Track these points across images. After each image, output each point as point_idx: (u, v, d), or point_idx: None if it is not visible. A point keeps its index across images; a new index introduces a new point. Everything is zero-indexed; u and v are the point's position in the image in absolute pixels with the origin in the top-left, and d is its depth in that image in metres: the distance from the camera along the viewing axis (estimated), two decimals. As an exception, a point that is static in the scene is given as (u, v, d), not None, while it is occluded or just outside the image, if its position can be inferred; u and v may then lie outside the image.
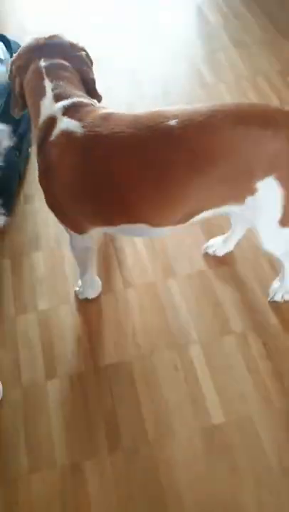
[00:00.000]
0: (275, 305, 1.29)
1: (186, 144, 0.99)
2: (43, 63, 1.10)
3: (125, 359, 1.24)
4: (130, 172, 1.02)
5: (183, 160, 1.00)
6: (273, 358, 1.20)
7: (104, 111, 1.07)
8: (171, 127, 0.98)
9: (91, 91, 1.18)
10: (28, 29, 2.21)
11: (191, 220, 1.10)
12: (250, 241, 1.42)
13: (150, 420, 1.15)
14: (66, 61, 1.12)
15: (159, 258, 1.42)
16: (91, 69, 1.19)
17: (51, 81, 1.08)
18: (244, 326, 1.27)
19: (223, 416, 1.13)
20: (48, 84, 1.08)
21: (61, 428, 1.16)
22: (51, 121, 1.06)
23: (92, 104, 1.10)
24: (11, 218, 1.13)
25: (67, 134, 1.04)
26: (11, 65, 1.16)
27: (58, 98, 1.07)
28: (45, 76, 1.09)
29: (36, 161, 1.11)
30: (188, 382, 1.19)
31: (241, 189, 1.03)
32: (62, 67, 1.11)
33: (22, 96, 1.16)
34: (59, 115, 1.05)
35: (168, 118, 0.99)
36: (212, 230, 1.46)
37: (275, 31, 2.06)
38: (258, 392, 1.16)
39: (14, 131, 1.21)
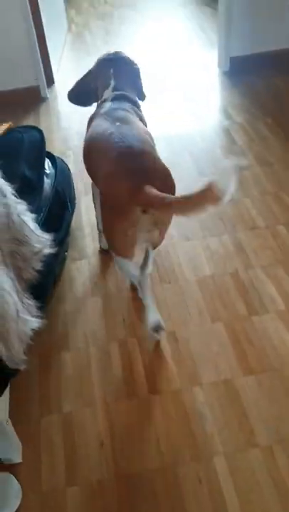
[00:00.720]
0: (301, 418, 1.27)
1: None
2: (112, 70, 1.66)
3: (148, 468, 1.22)
4: (92, 147, 1.49)
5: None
6: (301, 476, 1.16)
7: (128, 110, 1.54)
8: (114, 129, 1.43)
9: (139, 93, 1.71)
10: (71, 146, 2.44)
11: None
12: (276, 351, 1.43)
13: (171, 538, 1.10)
14: (126, 70, 1.69)
15: (185, 365, 1.44)
16: (140, 78, 1.73)
17: (115, 80, 1.64)
18: (270, 439, 1.24)
19: (248, 538, 1.08)
20: (112, 82, 1.63)
21: None
22: (103, 102, 1.60)
23: (134, 101, 1.63)
24: (44, 320, 1.19)
25: (97, 111, 1.59)
26: (92, 71, 1.74)
27: (114, 89, 1.62)
28: (112, 77, 1.64)
29: None
30: (213, 497, 1.15)
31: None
32: (124, 74, 1.67)
33: (95, 90, 1.70)
34: (108, 99, 1.59)
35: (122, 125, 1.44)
36: (239, 337, 1.49)
37: (296, 151, 2.23)
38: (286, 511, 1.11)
39: (54, 240, 1.31)
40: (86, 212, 2.03)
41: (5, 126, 1.77)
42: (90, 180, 2.17)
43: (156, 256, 1.79)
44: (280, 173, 2.12)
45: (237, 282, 1.66)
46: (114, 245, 1.42)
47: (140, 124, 1.53)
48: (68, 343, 1.54)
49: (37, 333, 1.20)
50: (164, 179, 1.34)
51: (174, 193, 1.33)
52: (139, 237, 1.34)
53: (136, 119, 1.52)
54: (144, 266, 1.48)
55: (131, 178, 1.27)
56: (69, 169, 2.01)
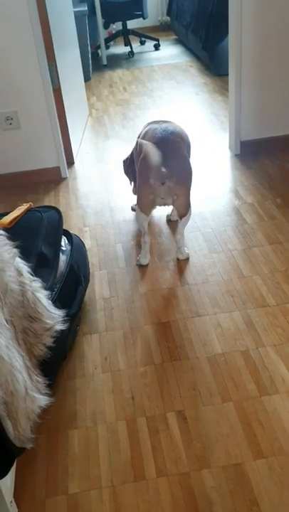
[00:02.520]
0: (314, 508, 1.22)
1: None
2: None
3: None
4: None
5: None
6: None
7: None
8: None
9: None
10: (87, 223, 2.55)
11: None
12: (286, 433, 1.40)
13: None
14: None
15: (195, 447, 1.41)
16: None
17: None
18: (282, 531, 1.19)
19: None
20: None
21: None
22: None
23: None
24: (53, 397, 1.20)
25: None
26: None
27: None
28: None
29: None
30: None
31: None
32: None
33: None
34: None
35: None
36: (249, 417, 1.46)
37: (306, 230, 2.29)
38: None
39: (66, 315, 1.35)
40: (99, 287, 2.08)
41: (25, 206, 1.87)
42: (103, 256, 2.26)
43: (166, 331, 1.81)
44: (289, 251, 2.17)
45: (248, 361, 1.66)
46: (139, 204, 2.06)
47: (176, 124, 2.16)
48: (76, 421, 1.53)
49: (45, 411, 1.21)
50: (182, 165, 1.97)
51: (186, 175, 2.00)
52: (156, 201, 2.01)
53: (174, 123, 2.16)
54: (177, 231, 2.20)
55: (153, 169, 1.88)
56: (84, 245, 2.09)
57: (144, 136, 2.13)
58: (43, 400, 1.10)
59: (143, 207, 2.05)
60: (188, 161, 2.00)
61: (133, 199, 2.43)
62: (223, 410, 1.50)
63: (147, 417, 1.52)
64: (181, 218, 2.11)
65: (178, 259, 2.21)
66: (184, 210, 2.07)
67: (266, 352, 1.69)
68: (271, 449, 1.38)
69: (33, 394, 1.07)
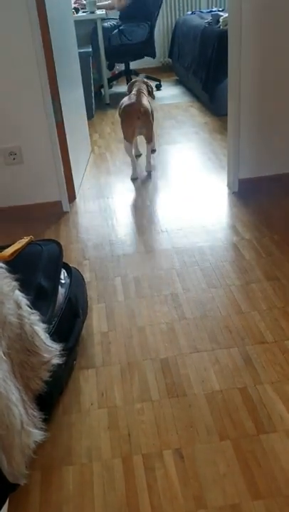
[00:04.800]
0: None
1: None
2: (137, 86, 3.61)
3: None
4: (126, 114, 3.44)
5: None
6: None
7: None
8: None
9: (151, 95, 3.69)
10: (87, 256, 2.57)
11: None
12: (284, 474, 1.38)
13: None
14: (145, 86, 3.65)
15: (191, 486, 1.39)
16: (152, 90, 3.71)
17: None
18: None
19: None
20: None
21: None
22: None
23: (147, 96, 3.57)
24: (48, 432, 1.19)
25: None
26: (130, 84, 3.70)
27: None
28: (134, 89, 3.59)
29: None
30: None
31: None
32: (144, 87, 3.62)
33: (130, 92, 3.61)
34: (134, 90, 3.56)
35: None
36: (247, 456, 1.44)
37: (304, 267, 2.31)
38: None
39: (63, 349, 1.35)
40: (97, 320, 2.08)
41: (26, 239, 1.89)
42: (102, 289, 2.27)
43: (164, 366, 1.80)
44: (287, 287, 2.18)
45: (246, 398, 1.65)
46: (125, 135, 3.36)
47: (144, 96, 3.42)
48: (71, 457, 1.50)
49: (40, 446, 1.19)
50: (145, 112, 3.30)
51: (148, 116, 3.36)
52: (135, 131, 3.32)
53: (143, 95, 3.42)
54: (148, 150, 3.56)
55: (132, 112, 3.30)
56: (83, 279, 2.10)
57: (125, 100, 3.39)
58: (38, 435, 1.09)
59: (128, 137, 3.34)
60: (150, 106, 3.36)
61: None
62: (221, 449, 1.48)
63: (143, 454, 1.49)
64: (148, 143, 3.45)
65: (146, 171, 3.52)
66: (150, 138, 3.42)
67: (264, 389, 1.68)
68: (269, 489, 1.35)
69: (28, 428, 1.06)
